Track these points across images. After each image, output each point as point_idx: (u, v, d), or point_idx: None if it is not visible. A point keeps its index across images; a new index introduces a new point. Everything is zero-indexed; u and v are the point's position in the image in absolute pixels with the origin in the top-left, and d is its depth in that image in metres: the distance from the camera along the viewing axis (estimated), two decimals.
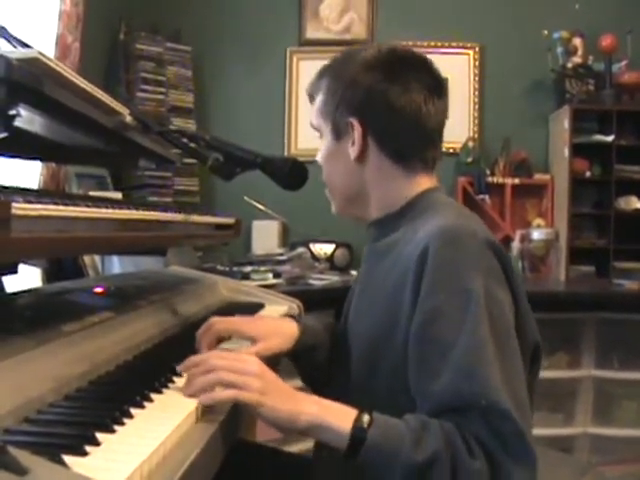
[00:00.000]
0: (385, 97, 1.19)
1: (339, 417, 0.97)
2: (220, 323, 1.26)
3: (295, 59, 3.95)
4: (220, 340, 1.30)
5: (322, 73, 1.28)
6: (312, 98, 1.31)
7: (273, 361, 1.35)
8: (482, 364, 0.96)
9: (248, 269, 2.91)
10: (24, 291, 1.38)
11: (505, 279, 1.08)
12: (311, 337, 1.34)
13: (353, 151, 1.23)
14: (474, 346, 0.97)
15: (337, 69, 1.26)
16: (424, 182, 1.24)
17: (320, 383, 1.37)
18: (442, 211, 1.16)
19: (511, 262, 1.12)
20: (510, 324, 1.04)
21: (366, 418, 0.96)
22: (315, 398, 1.00)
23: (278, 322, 1.40)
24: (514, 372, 0.99)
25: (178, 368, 1.05)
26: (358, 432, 0.94)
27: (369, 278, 1.26)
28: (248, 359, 1.00)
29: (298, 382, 1.43)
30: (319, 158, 1.31)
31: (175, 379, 1.04)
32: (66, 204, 0.90)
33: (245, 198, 3.22)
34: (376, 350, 1.14)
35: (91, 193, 2.51)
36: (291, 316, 1.47)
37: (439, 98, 1.22)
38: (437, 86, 1.23)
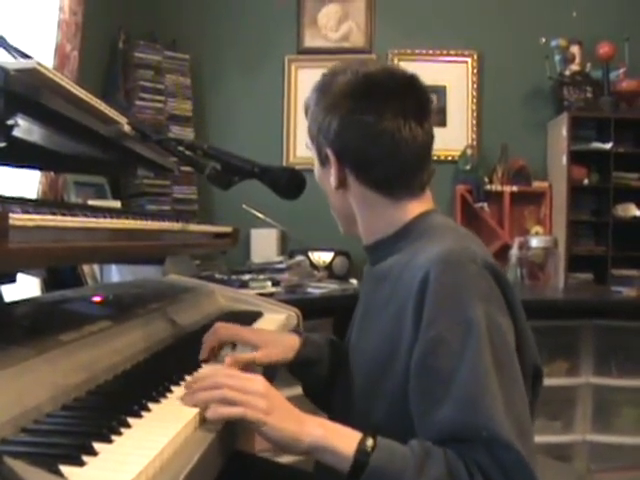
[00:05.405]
0: (357, 129, 1.16)
1: (343, 440, 0.96)
2: (224, 329, 1.31)
3: (293, 67, 3.95)
4: (222, 345, 1.32)
5: (313, 90, 1.25)
6: (307, 112, 1.28)
7: (271, 371, 1.36)
8: (484, 394, 0.95)
9: (247, 277, 2.92)
10: (23, 300, 1.38)
11: (504, 302, 1.07)
12: (312, 351, 1.34)
13: (332, 181, 1.21)
14: (476, 376, 0.96)
15: (320, 92, 1.23)
16: (414, 207, 1.21)
17: (322, 398, 1.37)
18: (440, 235, 1.14)
19: (510, 283, 1.10)
20: (512, 350, 1.03)
21: (370, 442, 0.95)
22: (320, 420, 1.00)
23: (280, 333, 1.41)
24: (516, 400, 0.98)
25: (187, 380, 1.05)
26: (361, 456, 0.94)
27: (369, 303, 1.25)
28: (254, 378, 1.00)
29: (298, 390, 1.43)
30: (316, 177, 1.30)
31: (173, 389, 1.04)
32: (64, 214, 0.90)
33: (244, 206, 3.22)
34: (377, 374, 1.13)
35: (89, 201, 2.52)
36: (295, 330, 1.47)
37: (418, 122, 1.17)
38: (416, 110, 1.18)
